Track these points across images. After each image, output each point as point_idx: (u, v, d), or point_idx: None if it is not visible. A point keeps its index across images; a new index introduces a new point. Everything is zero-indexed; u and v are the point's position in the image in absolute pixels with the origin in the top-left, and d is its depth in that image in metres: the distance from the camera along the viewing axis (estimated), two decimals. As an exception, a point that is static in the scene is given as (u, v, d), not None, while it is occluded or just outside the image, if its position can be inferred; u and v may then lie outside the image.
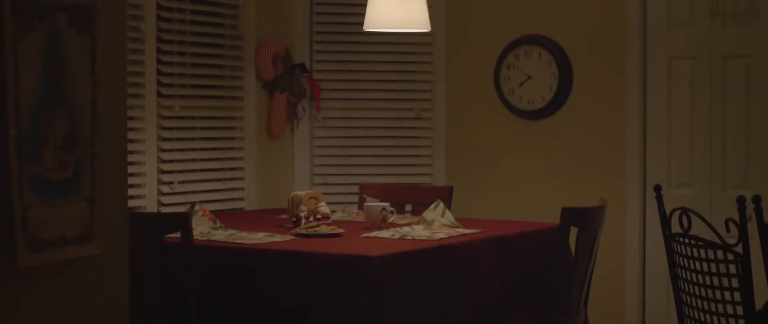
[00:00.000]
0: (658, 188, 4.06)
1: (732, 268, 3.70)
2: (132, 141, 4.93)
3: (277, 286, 3.87)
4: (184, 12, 5.29)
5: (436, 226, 4.43)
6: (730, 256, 3.70)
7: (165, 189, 5.20)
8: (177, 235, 3.80)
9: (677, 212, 3.87)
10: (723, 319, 3.75)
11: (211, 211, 4.60)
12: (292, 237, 4.19)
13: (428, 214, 4.53)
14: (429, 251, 3.99)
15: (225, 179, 5.59)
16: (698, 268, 3.80)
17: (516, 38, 5.83)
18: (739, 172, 5.24)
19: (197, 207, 4.45)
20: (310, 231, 4.24)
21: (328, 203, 4.69)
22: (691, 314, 3.89)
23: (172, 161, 5.25)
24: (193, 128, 5.42)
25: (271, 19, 5.79)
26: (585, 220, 4.18)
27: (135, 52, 4.98)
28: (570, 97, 5.73)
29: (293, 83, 5.80)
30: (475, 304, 4.11)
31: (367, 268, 3.70)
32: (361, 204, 5.21)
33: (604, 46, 5.64)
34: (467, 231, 4.32)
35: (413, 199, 5.20)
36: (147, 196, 5.10)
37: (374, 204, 4.59)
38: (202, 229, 4.28)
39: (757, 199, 3.68)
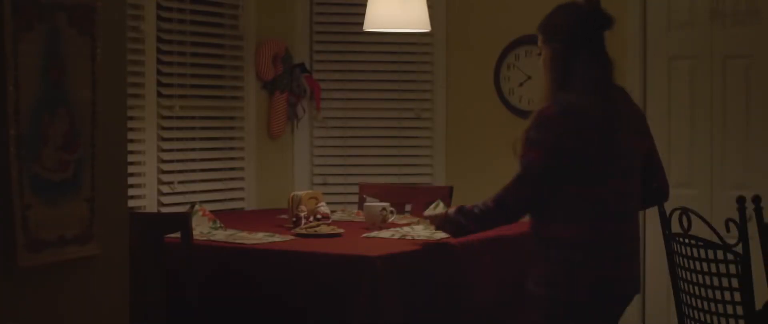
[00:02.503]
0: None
1: (732, 268, 3.70)
2: (132, 141, 4.93)
3: (277, 286, 3.87)
4: (184, 12, 5.29)
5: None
6: (730, 256, 3.69)
7: (165, 189, 5.20)
8: (177, 235, 3.80)
9: (677, 212, 3.87)
10: (723, 319, 3.75)
11: (211, 211, 4.60)
12: (292, 237, 4.19)
13: (429, 214, 4.51)
14: (429, 251, 3.99)
15: (225, 179, 5.59)
16: (698, 268, 3.80)
17: (516, 38, 5.83)
18: (739, 172, 5.24)
19: (197, 207, 4.44)
20: (310, 231, 4.24)
21: (328, 203, 4.69)
22: (691, 314, 3.89)
23: (172, 161, 5.25)
24: (193, 128, 5.42)
25: (271, 19, 5.79)
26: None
27: (135, 52, 4.97)
28: (570, 97, 5.72)
29: (293, 83, 5.80)
30: (475, 304, 4.11)
31: (367, 268, 3.70)
32: (361, 204, 5.21)
33: (604, 46, 5.64)
34: (467, 231, 4.31)
35: (413, 199, 5.20)
36: (147, 196, 5.10)
37: (374, 204, 4.59)
38: (202, 229, 4.28)
39: (757, 199, 3.67)
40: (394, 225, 4.48)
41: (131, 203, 4.86)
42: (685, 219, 3.83)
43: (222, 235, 4.20)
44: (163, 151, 5.20)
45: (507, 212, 3.48)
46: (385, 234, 4.23)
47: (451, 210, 3.73)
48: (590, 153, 3.30)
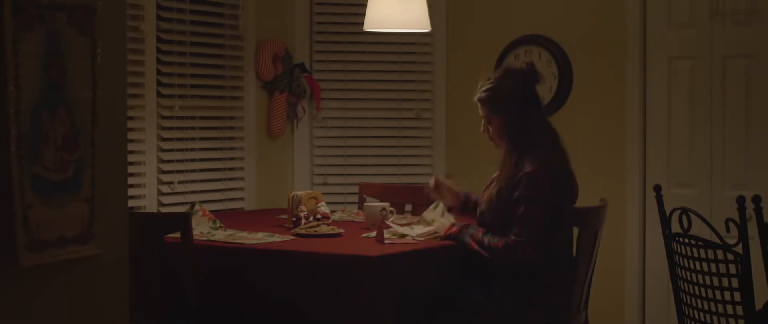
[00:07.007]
0: (658, 188, 4.06)
1: (732, 268, 3.70)
2: (132, 141, 4.93)
3: (277, 286, 3.87)
4: (184, 12, 5.29)
5: (436, 226, 4.42)
6: (730, 256, 3.69)
7: (165, 189, 5.20)
8: (177, 235, 3.80)
9: (677, 212, 3.87)
10: (723, 319, 3.75)
11: (211, 211, 4.60)
12: (292, 237, 4.19)
13: (428, 214, 4.52)
14: (429, 251, 3.99)
15: (225, 179, 5.59)
16: (698, 268, 3.80)
17: (516, 38, 5.83)
18: (739, 172, 5.24)
19: (197, 207, 4.45)
20: (310, 231, 4.24)
21: (328, 203, 4.69)
22: (691, 314, 3.89)
23: (172, 161, 5.25)
24: (193, 128, 5.42)
25: (271, 19, 5.79)
26: (585, 220, 4.18)
27: (135, 52, 4.98)
28: (570, 97, 5.73)
29: (293, 83, 5.80)
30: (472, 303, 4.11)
31: (367, 268, 3.71)
32: (361, 204, 5.21)
33: (604, 46, 5.64)
34: (467, 231, 4.31)
35: (413, 199, 5.20)
36: (147, 196, 5.10)
37: (374, 204, 4.59)
38: (202, 229, 4.28)
39: (757, 199, 3.67)
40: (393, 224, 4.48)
41: (131, 203, 4.86)
42: (685, 219, 3.83)
43: (222, 235, 4.20)
44: (163, 151, 5.20)
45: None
46: (384, 234, 4.23)
47: (457, 230, 4.10)
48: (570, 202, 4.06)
